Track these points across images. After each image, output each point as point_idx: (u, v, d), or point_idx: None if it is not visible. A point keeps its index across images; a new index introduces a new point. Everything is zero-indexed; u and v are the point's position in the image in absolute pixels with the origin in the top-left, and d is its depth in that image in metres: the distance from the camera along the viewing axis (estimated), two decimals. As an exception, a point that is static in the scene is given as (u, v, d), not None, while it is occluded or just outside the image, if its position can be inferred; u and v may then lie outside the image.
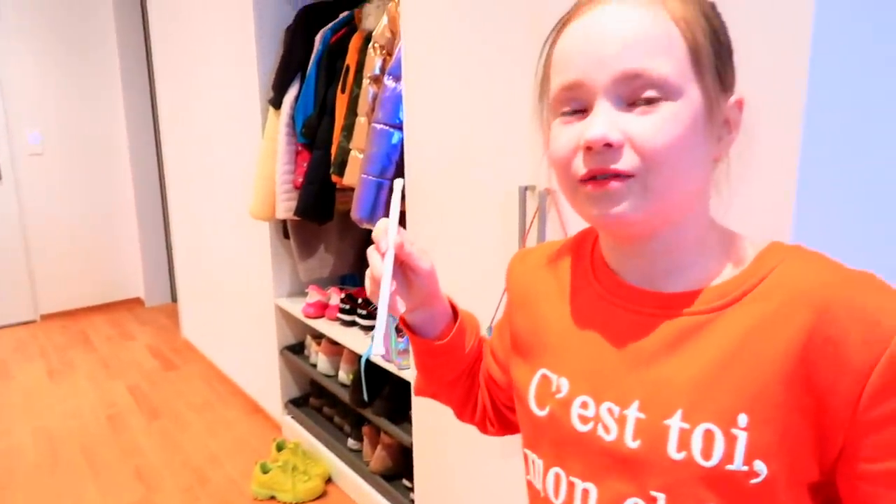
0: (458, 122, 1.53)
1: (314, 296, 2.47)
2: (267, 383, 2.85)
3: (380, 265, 0.67)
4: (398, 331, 1.93)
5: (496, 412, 0.84)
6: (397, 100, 1.81)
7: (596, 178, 0.55)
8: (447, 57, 1.53)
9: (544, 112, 0.63)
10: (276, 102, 2.39)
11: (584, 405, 0.62)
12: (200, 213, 3.43)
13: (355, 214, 1.96)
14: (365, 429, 2.25)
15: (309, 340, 2.57)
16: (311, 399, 2.66)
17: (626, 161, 0.54)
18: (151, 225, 4.59)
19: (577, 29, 0.57)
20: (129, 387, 3.34)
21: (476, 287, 1.52)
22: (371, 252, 0.68)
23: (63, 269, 4.53)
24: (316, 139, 2.25)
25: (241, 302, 3.04)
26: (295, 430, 2.61)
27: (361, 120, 2.00)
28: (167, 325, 4.29)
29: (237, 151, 2.81)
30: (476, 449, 1.64)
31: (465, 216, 1.54)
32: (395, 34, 1.90)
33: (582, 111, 0.56)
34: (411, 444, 1.90)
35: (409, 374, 1.86)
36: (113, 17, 4.23)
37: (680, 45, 0.54)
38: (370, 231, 2.30)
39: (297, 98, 2.34)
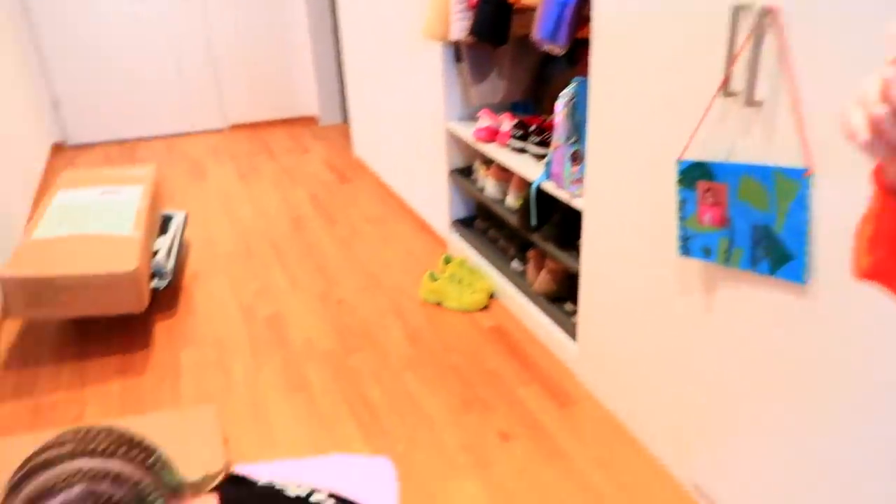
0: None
1: (486, 120, 2.48)
2: (435, 203, 3.00)
3: None
4: (573, 159, 1.92)
5: None
6: None
7: None
8: None
9: None
10: (460, -89, 2.26)
11: None
12: (372, 35, 3.46)
13: (536, 35, 1.90)
14: (530, 252, 2.34)
15: (478, 164, 2.64)
16: (478, 221, 2.78)
17: None
18: (324, 47, 4.72)
19: None
20: (308, 195, 3.66)
21: (668, 125, 1.45)
22: None
23: (247, 85, 4.86)
24: (499, -47, 2.14)
25: (412, 124, 3.13)
26: (461, 248, 2.77)
27: (552, -70, 1.86)
28: (340, 142, 4.55)
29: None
30: (648, 282, 1.66)
31: (662, 42, 1.44)
32: None
33: None
34: (577, 271, 1.96)
35: (581, 202, 1.88)
36: None
37: None
38: (547, 55, 2.23)
39: None
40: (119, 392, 2.11)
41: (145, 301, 2.24)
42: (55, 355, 2.29)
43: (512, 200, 2.38)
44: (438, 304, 2.52)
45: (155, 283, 2.45)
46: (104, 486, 0.77)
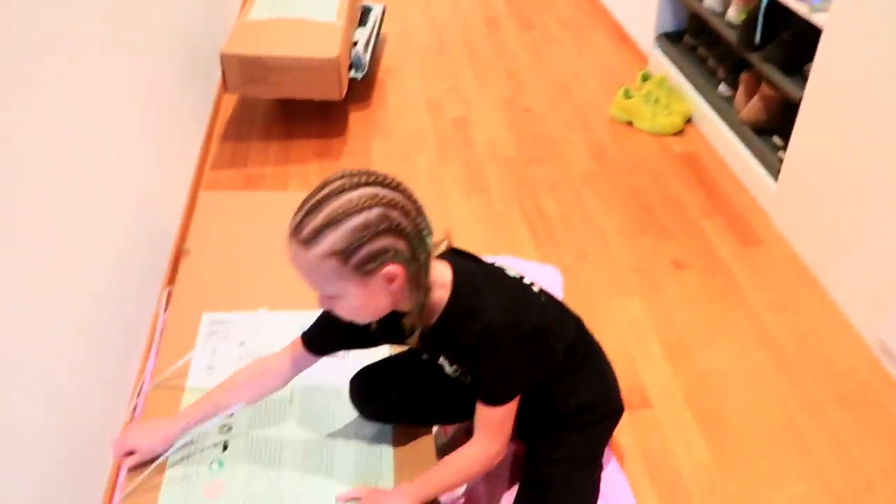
0: None
1: (719, -87, 2.13)
2: (641, 12, 2.72)
3: None
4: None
5: None
6: None
7: None
8: None
9: None
10: None
11: None
12: None
13: None
14: (743, 76, 2.09)
15: (699, -32, 2.32)
16: (686, 37, 2.50)
17: None
18: None
19: None
20: (504, -6, 3.48)
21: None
22: None
23: None
24: None
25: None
26: (662, 65, 2.55)
27: None
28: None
29: None
30: (884, 121, 1.44)
31: None
32: None
33: None
34: (799, 100, 1.73)
35: (822, 18, 1.61)
36: None
37: None
38: None
39: None
40: (317, 172, 2.30)
41: (344, 89, 2.34)
42: (264, 133, 2.51)
43: (734, 13, 2.10)
44: (629, 123, 2.39)
45: (352, 73, 2.53)
46: (395, 214, 0.84)
